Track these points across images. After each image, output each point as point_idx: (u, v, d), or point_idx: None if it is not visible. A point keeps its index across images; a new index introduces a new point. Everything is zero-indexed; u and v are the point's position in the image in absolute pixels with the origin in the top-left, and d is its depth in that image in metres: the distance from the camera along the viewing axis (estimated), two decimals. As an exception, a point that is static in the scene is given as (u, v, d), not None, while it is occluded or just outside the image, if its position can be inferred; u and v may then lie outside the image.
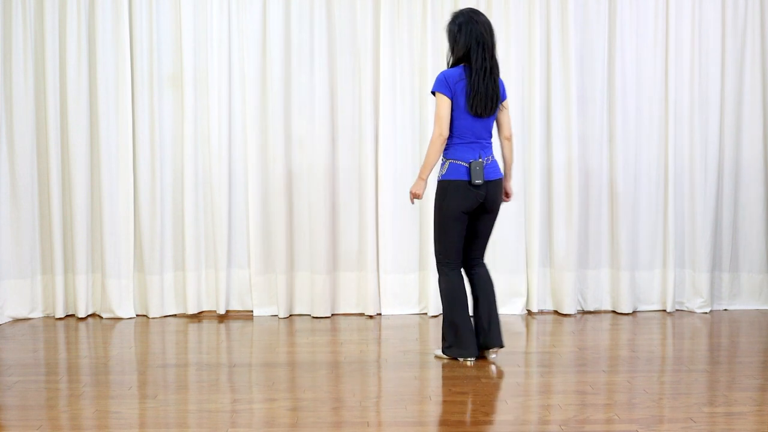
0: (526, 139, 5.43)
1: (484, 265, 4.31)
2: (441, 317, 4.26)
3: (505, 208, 5.43)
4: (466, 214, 4.12)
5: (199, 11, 5.31)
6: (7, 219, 5.27)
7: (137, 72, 5.29)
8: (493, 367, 4.11)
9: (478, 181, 4.05)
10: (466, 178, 4.06)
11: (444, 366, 4.17)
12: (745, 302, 5.59)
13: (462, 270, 4.27)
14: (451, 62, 4.15)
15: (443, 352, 4.27)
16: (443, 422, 3.35)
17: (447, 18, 4.19)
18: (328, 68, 5.33)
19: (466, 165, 4.07)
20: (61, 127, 5.29)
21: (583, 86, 5.41)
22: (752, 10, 5.44)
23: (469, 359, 4.20)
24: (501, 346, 4.25)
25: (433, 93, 4.09)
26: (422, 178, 4.12)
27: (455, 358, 4.23)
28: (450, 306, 4.19)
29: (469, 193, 4.08)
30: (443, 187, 4.11)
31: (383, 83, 5.32)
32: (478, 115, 4.06)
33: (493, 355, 4.26)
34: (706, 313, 5.46)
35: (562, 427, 3.23)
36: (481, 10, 5.36)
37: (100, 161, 5.29)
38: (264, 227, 5.38)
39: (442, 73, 4.08)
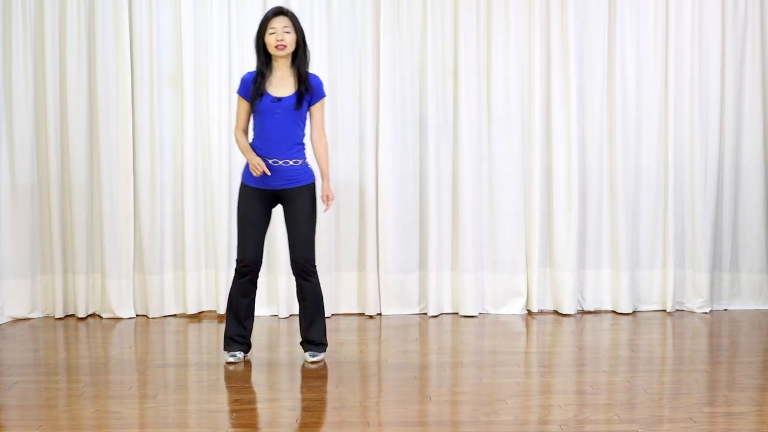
0: (526, 139, 5.42)
1: None
2: (322, 319, 4.24)
3: (505, 208, 5.43)
4: None
5: (199, 11, 5.31)
6: (7, 219, 5.26)
7: (137, 72, 5.28)
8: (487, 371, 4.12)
9: None
10: None
11: (444, 366, 4.17)
12: (745, 302, 5.58)
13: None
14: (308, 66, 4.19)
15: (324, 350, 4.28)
16: (443, 422, 3.35)
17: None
18: (328, 68, 5.32)
19: None
20: (61, 127, 5.29)
21: (583, 86, 5.41)
22: (752, 10, 5.44)
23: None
24: None
25: (320, 98, 4.17)
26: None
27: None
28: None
29: None
30: (315, 188, 4.21)
31: (383, 83, 5.31)
32: None
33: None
34: (706, 313, 5.46)
35: (562, 427, 3.23)
36: (481, 10, 5.37)
37: (100, 161, 5.29)
38: (264, 227, 5.38)
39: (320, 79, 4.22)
